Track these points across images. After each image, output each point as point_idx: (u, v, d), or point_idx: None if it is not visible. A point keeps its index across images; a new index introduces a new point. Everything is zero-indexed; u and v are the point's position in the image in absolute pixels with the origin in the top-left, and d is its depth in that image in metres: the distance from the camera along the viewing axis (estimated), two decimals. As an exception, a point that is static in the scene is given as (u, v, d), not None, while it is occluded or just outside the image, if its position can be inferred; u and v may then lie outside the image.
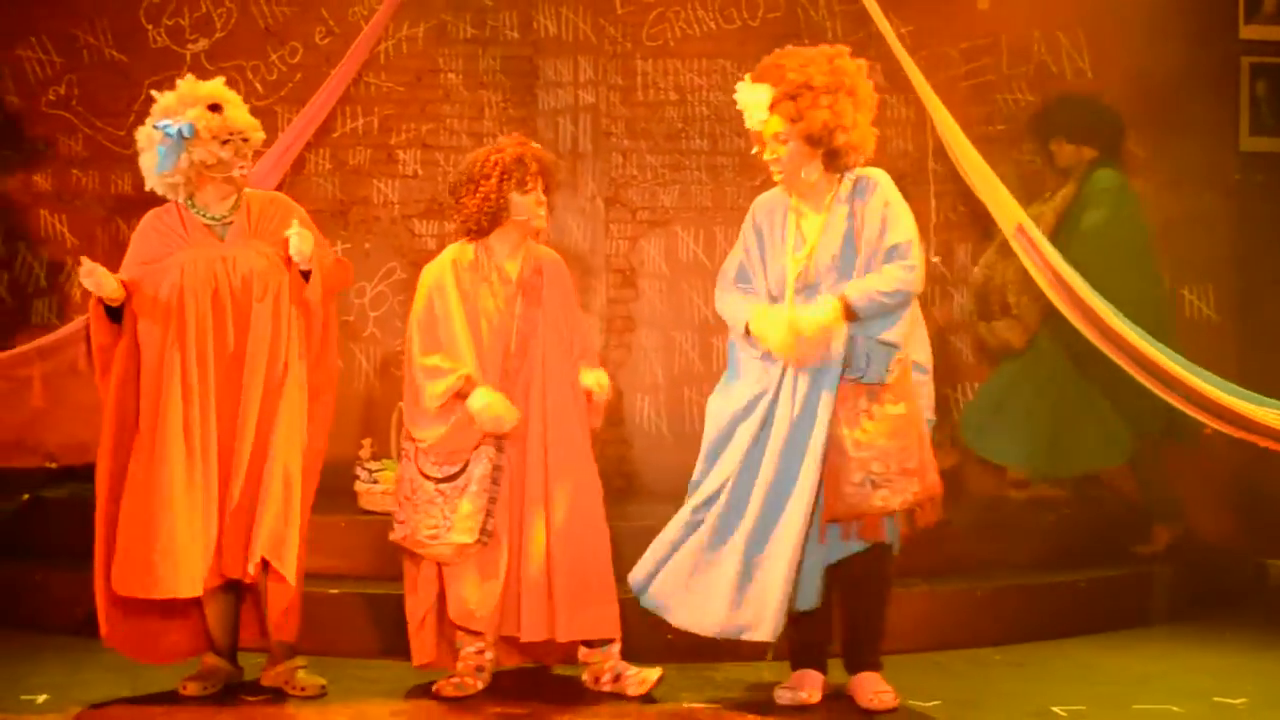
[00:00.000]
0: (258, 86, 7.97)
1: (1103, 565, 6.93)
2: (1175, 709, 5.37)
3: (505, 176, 5.48)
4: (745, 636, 5.18)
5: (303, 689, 5.39)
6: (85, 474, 7.27)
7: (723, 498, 5.25)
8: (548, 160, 5.59)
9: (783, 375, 5.20)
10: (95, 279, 5.20)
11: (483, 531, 5.35)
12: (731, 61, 8.08)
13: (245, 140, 5.42)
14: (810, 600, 5.25)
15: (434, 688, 5.47)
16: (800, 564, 5.14)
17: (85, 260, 5.24)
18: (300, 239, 5.30)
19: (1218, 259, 8.11)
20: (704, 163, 8.07)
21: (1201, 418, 5.72)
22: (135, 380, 5.34)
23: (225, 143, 5.36)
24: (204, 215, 5.43)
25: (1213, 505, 7.71)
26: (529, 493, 5.44)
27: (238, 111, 5.43)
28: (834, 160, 5.29)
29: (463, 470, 5.39)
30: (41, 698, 5.31)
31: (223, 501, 5.27)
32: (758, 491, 5.17)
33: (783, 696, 5.36)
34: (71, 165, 7.89)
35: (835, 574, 5.30)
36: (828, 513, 5.15)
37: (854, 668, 5.39)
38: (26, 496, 6.87)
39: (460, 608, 5.41)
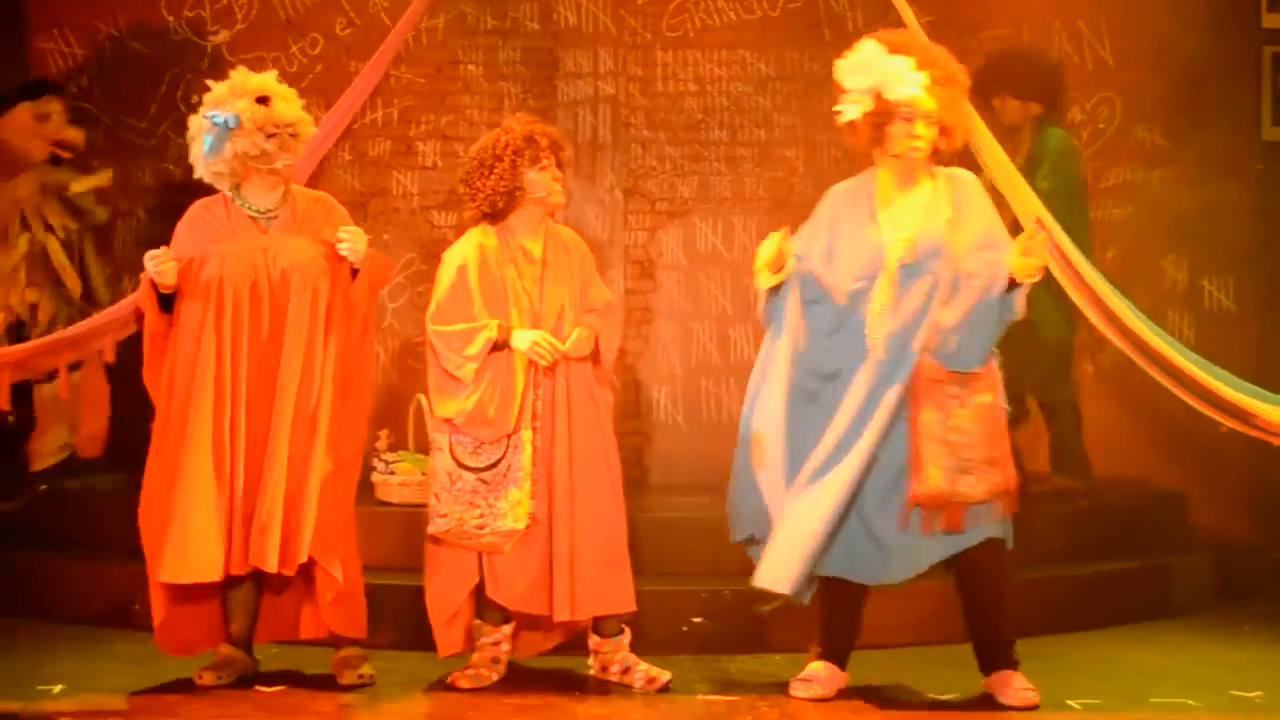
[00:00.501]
0: (280, 79, 7.95)
1: (1119, 558, 6.90)
2: (1192, 703, 5.34)
3: (518, 155, 5.45)
4: (758, 583, 5.23)
5: (345, 680, 5.41)
6: (100, 465, 7.36)
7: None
8: (556, 135, 5.58)
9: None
10: (162, 267, 5.21)
11: (531, 516, 5.36)
12: (751, 52, 8.08)
13: (293, 135, 5.42)
14: (900, 575, 5.23)
15: (449, 679, 5.46)
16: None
17: (158, 250, 5.25)
18: (355, 237, 5.31)
19: (1238, 251, 8.06)
20: (723, 154, 8.05)
21: (1217, 416, 5.70)
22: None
23: (271, 136, 5.35)
24: (249, 207, 5.43)
25: (1226, 499, 7.69)
26: (557, 474, 5.42)
27: (286, 105, 5.43)
28: (938, 154, 5.32)
29: (502, 458, 5.37)
30: (58, 688, 5.32)
31: (253, 492, 5.26)
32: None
33: (798, 689, 5.33)
34: (93, 157, 7.89)
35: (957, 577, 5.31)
36: (913, 498, 5.12)
37: (990, 668, 5.32)
38: (43, 487, 6.89)
39: (509, 591, 5.41)
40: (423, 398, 6.28)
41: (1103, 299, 5.92)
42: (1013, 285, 5.16)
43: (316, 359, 5.33)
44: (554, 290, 5.50)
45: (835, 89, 5.31)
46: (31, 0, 7.97)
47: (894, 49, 5.24)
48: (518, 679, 5.54)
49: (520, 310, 5.45)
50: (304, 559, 5.22)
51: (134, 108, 7.92)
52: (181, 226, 5.47)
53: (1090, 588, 6.59)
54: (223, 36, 7.99)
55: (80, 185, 7.33)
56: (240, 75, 5.49)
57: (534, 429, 5.39)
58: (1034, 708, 5.19)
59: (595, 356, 5.53)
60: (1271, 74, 8.10)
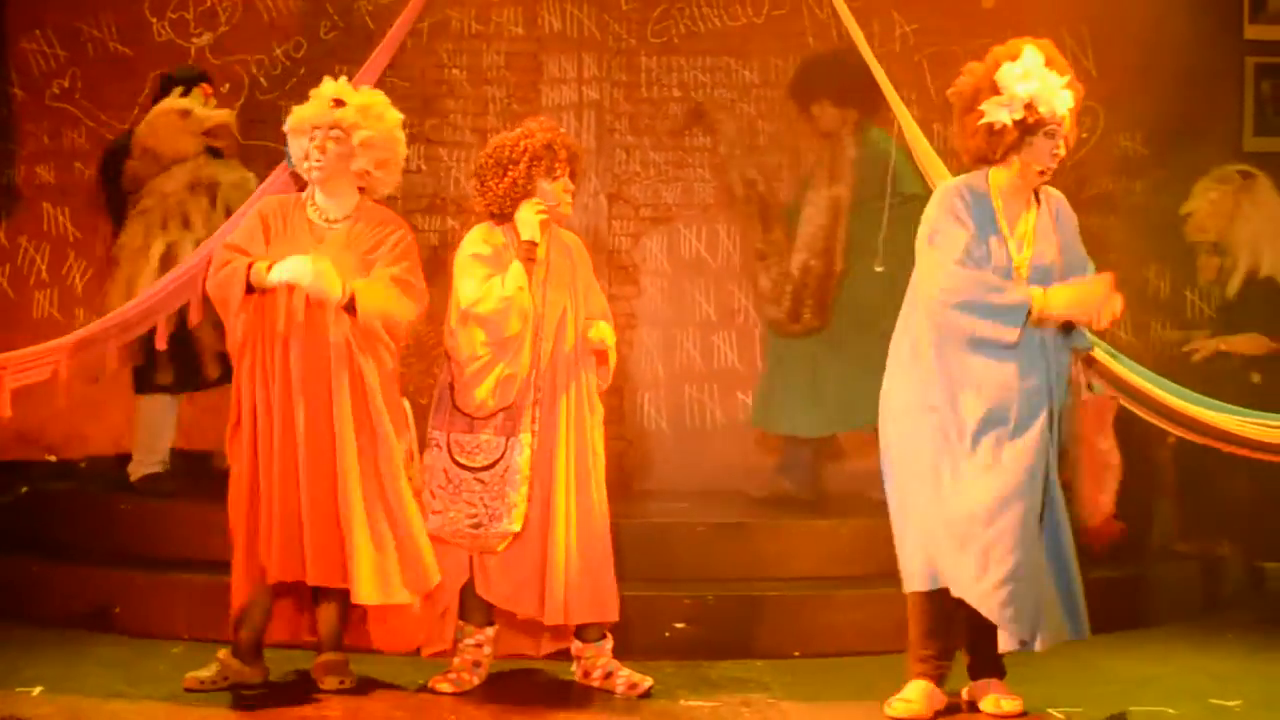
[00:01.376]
0: (261, 81, 7.98)
1: (1101, 567, 6.89)
2: (1172, 711, 5.37)
3: (535, 162, 5.43)
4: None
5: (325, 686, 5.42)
6: (84, 469, 7.35)
7: None
8: (576, 148, 5.58)
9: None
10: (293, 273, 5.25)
11: (525, 518, 5.36)
12: (735, 59, 8.10)
13: (336, 138, 5.39)
14: None
15: (430, 683, 5.45)
16: None
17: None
18: (312, 276, 5.24)
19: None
20: (707, 160, 8.06)
21: (1166, 426, 5.73)
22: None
23: (312, 139, 5.39)
24: (315, 214, 5.45)
25: (1208, 506, 7.70)
26: (556, 480, 5.41)
27: (312, 107, 5.45)
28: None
29: (500, 458, 5.37)
30: (37, 690, 5.30)
31: (288, 508, 5.28)
32: None
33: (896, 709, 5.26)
34: (75, 158, 7.90)
35: None
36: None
37: (978, 674, 5.35)
38: (25, 489, 6.87)
39: (498, 590, 5.43)
40: (406, 402, 6.29)
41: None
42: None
43: (343, 377, 5.30)
44: (555, 294, 5.49)
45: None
46: (14, 2, 7.95)
47: (1049, 62, 5.23)
48: (500, 684, 5.55)
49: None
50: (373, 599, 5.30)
51: (116, 109, 7.89)
52: (251, 215, 5.55)
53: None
54: (206, 39, 7.98)
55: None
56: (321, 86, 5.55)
57: (533, 432, 5.39)
58: (1021, 715, 5.21)
59: (603, 358, 5.54)
60: (1254, 84, 8.14)
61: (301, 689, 5.43)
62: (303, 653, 5.61)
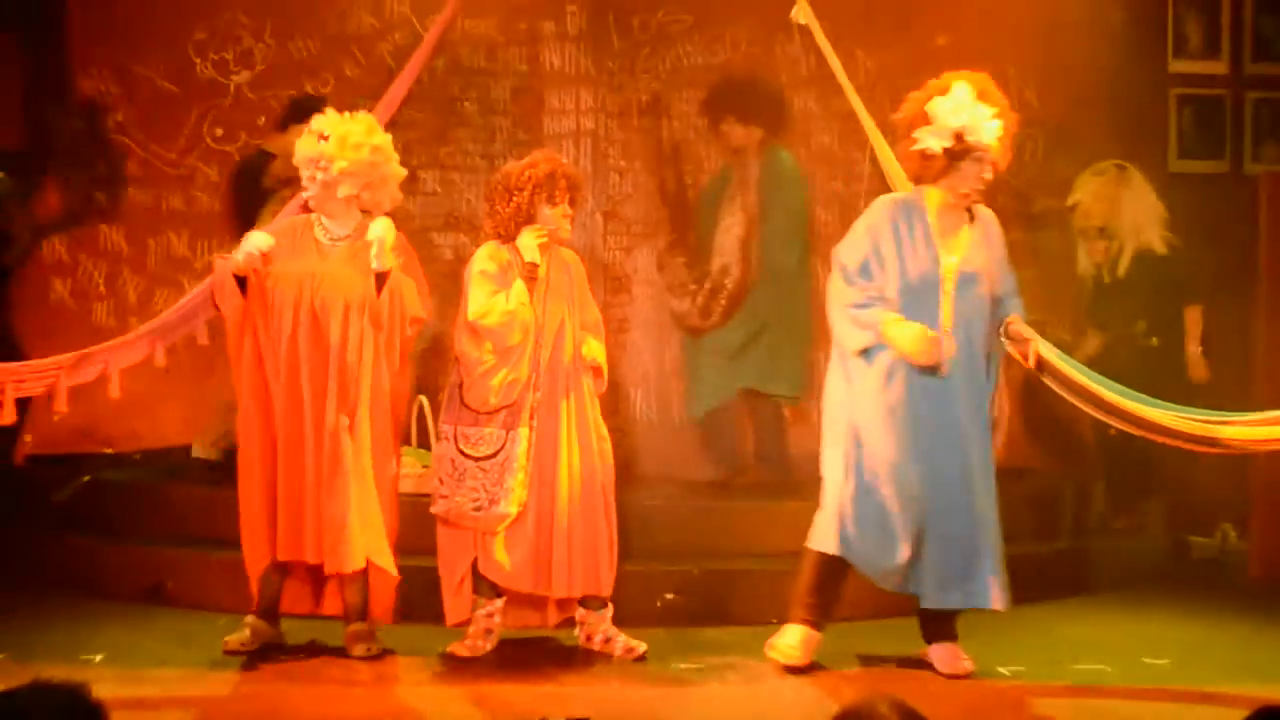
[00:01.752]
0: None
1: (1044, 541, 6.95)
2: (1108, 669, 5.41)
3: (538, 190, 5.47)
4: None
5: (355, 653, 5.43)
6: (138, 460, 7.35)
7: None
8: (576, 177, 5.63)
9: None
10: (250, 255, 5.26)
11: (522, 503, 5.38)
12: (716, 90, 8.08)
13: (322, 169, 5.39)
14: None
15: (448, 649, 5.48)
16: None
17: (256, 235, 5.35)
18: (380, 246, 5.28)
19: (1148, 268, 8.10)
20: (690, 182, 8.04)
21: (1101, 417, 5.75)
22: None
23: (315, 166, 5.40)
24: (321, 234, 5.45)
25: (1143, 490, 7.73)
26: (560, 468, 5.43)
27: (308, 143, 5.44)
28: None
29: (501, 449, 5.39)
30: (99, 657, 5.34)
31: (294, 492, 5.29)
32: None
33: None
34: (128, 184, 7.89)
35: None
36: None
37: (933, 639, 5.37)
38: (87, 478, 6.87)
39: (498, 569, 5.43)
40: (424, 399, 6.32)
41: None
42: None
43: (351, 377, 5.30)
44: (554, 306, 5.51)
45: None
46: (74, 43, 7.95)
47: (980, 95, 5.28)
48: (512, 649, 5.57)
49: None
50: (361, 565, 5.30)
51: (165, 140, 7.87)
52: (270, 226, 5.59)
53: (1020, 568, 6.60)
54: (244, 76, 7.96)
55: None
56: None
57: (531, 427, 5.41)
58: (969, 675, 5.23)
59: (598, 370, 5.58)
60: (1177, 113, 8.16)
61: (330, 655, 5.46)
62: (323, 623, 5.65)
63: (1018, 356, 5.34)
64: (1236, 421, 5.61)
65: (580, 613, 5.57)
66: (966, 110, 5.22)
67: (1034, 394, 7.31)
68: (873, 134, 6.39)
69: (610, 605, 5.57)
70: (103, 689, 2.24)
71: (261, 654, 5.42)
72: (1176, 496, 7.65)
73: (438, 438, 5.66)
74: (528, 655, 5.53)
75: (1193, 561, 7.57)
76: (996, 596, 5.26)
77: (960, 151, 5.23)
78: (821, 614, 5.34)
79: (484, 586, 5.53)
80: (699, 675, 5.31)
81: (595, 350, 5.55)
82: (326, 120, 5.50)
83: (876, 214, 5.35)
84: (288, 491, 5.32)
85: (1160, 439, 5.72)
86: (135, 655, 5.38)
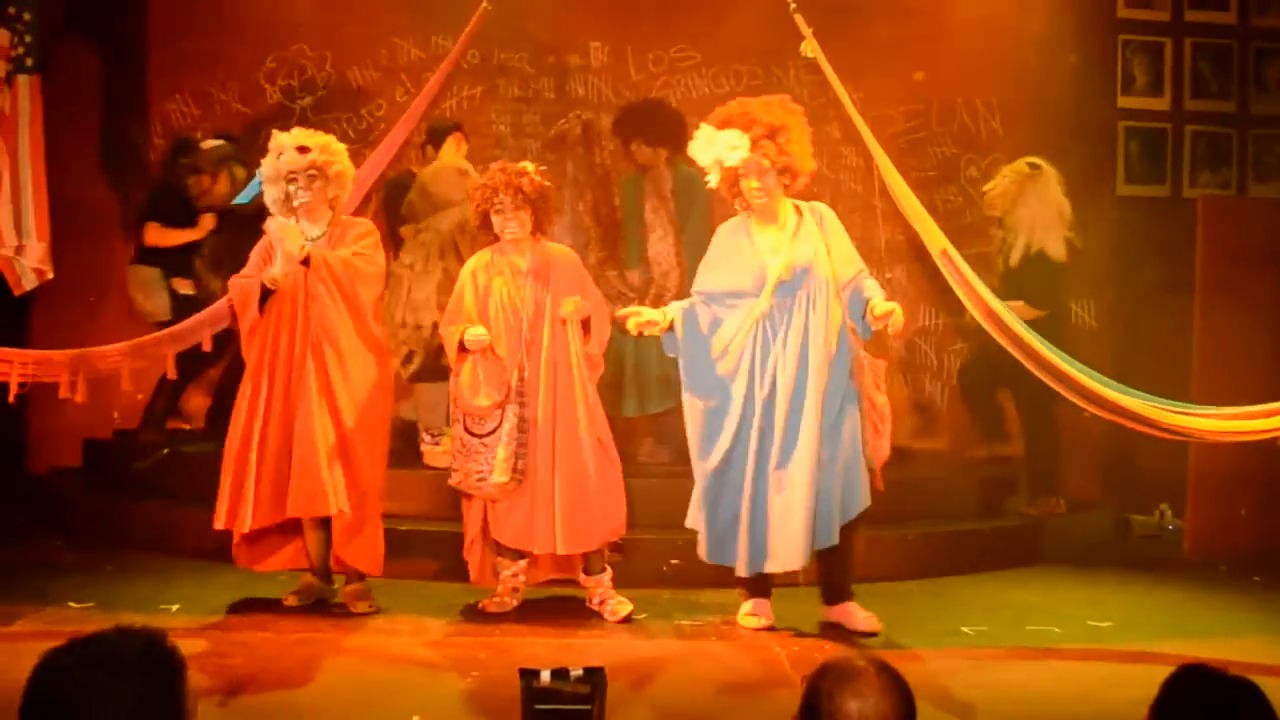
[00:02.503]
0: (350, 134, 7.95)
1: (1003, 517, 6.95)
2: (1057, 630, 5.39)
3: (483, 202, 5.45)
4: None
5: (356, 610, 5.40)
6: (207, 434, 7.36)
7: None
8: (510, 180, 5.41)
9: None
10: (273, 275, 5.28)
11: (515, 471, 5.32)
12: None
13: (311, 176, 5.35)
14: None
15: (479, 605, 5.47)
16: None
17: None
18: (286, 232, 5.27)
19: (1098, 280, 8.09)
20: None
21: (1082, 404, 5.73)
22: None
23: (290, 181, 5.36)
24: (304, 233, 5.42)
25: (1088, 470, 7.73)
26: (540, 439, 5.36)
27: (293, 156, 5.36)
28: (789, 186, 5.28)
29: (497, 427, 5.36)
30: (175, 607, 5.36)
31: (284, 458, 5.24)
32: None
33: (749, 622, 5.31)
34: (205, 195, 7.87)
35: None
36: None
37: (835, 600, 5.30)
38: (166, 450, 6.89)
39: (504, 532, 5.42)
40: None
41: (997, 314, 5.93)
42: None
43: (333, 348, 5.29)
44: (538, 294, 5.44)
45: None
46: (155, 69, 7.96)
47: (722, 124, 5.22)
48: (536, 607, 5.55)
49: (500, 305, 5.42)
50: (335, 510, 5.22)
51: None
52: (256, 250, 5.48)
53: (979, 539, 6.63)
54: (307, 100, 7.98)
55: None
56: (275, 139, 5.46)
57: (520, 404, 5.36)
58: (877, 633, 5.16)
59: (586, 326, 5.46)
60: (1125, 143, 8.14)
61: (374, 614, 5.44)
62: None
63: (886, 327, 5.12)
64: (1206, 415, 5.59)
65: (582, 577, 5.53)
66: (710, 143, 5.21)
67: (973, 384, 7.32)
68: (875, 150, 6.32)
69: (608, 569, 5.51)
70: (177, 634, 2.23)
71: (315, 607, 5.43)
72: (1120, 478, 7.66)
73: (452, 420, 5.67)
74: (548, 612, 5.51)
75: (1134, 537, 7.57)
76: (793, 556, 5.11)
77: (731, 176, 5.21)
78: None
79: (506, 550, 5.51)
80: (699, 631, 5.30)
81: (567, 306, 5.40)
82: (295, 136, 5.44)
83: (713, 242, 5.40)
84: (277, 468, 5.24)
85: (1134, 426, 5.70)
86: (207, 605, 5.39)
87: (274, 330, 5.32)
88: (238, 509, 5.27)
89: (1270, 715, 2.32)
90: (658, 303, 6.97)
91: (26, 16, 6.52)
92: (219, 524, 5.31)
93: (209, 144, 7.12)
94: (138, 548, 6.31)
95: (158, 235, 7.05)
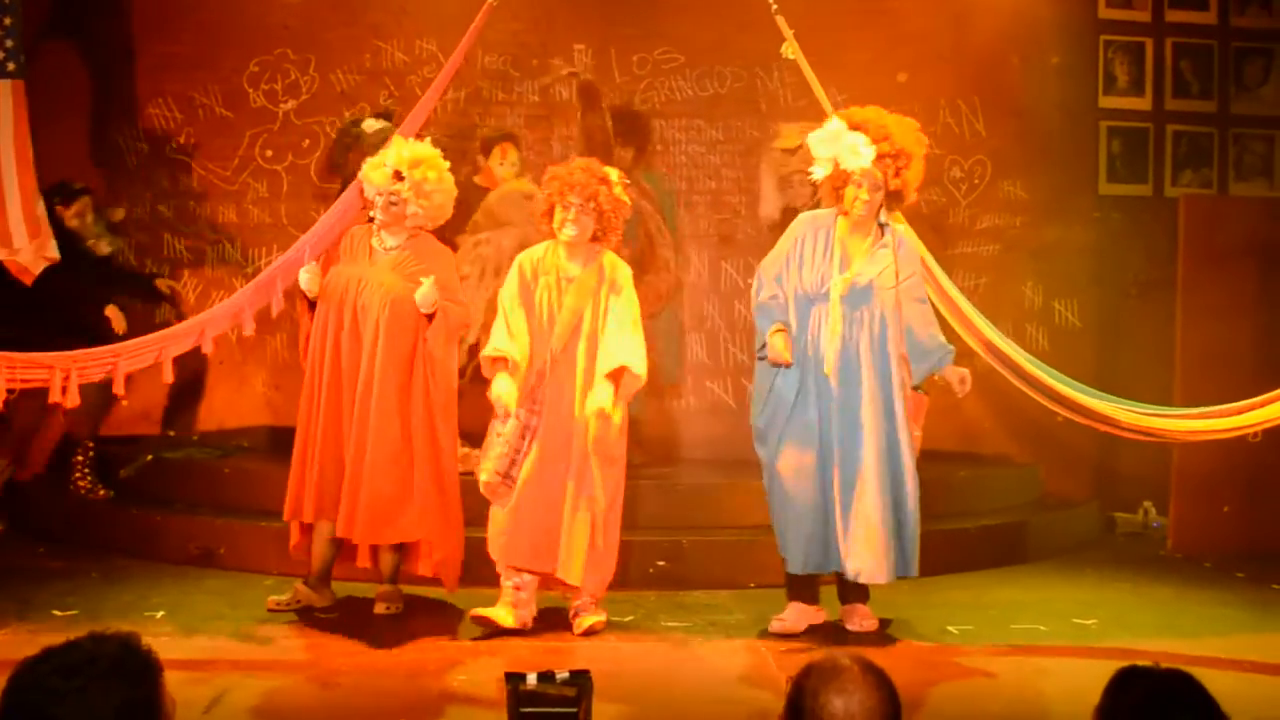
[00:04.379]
0: (334, 137, 7.94)
1: (989, 516, 6.94)
2: (1043, 628, 5.39)
3: (554, 192, 5.26)
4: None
5: (377, 610, 5.40)
6: (195, 441, 7.34)
7: None
8: (589, 186, 5.22)
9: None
10: (309, 279, 5.30)
11: (500, 474, 5.16)
12: (704, 121, 8.07)
13: (393, 203, 5.33)
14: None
15: (470, 614, 5.20)
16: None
17: (311, 265, 5.34)
18: (426, 291, 5.19)
19: (1081, 279, 8.10)
20: (682, 200, 8.01)
21: (1056, 409, 5.74)
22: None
23: (379, 195, 5.35)
24: (377, 241, 5.40)
25: (1072, 469, 7.73)
26: (531, 451, 5.19)
27: (379, 174, 5.34)
28: (889, 209, 5.24)
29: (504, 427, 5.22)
30: (159, 614, 5.31)
31: (338, 468, 5.23)
32: None
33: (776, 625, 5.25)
34: (189, 199, 7.86)
35: None
36: None
37: (847, 600, 5.30)
38: (150, 457, 6.85)
39: (511, 550, 5.21)
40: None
41: (971, 320, 5.94)
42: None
43: (390, 367, 5.22)
44: (576, 302, 5.23)
45: (772, 150, 5.30)
46: (142, 75, 7.92)
47: (854, 125, 5.16)
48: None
49: (538, 309, 5.25)
50: (406, 538, 5.27)
51: (221, 160, 7.85)
52: (343, 241, 5.52)
53: (966, 539, 6.62)
54: (291, 105, 7.94)
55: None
56: (397, 145, 5.45)
57: (530, 409, 5.22)
58: (874, 632, 5.18)
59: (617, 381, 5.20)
60: (1107, 143, 8.15)
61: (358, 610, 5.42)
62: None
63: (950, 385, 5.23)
64: (1175, 415, 5.60)
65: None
66: (836, 140, 5.14)
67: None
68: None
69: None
70: (160, 641, 2.21)
71: (303, 612, 5.39)
72: (1104, 477, 7.66)
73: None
74: (543, 621, 5.44)
75: (1119, 535, 7.58)
76: (888, 570, 5.13)
77: (840, 178, 5.14)
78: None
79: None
80: (685, 632, 5.28)
81: (596, 403, 5.12)
82: (400, 157, 5.38)
83: (791, 227, 5.32)
84: (324, 469, 5.26)
85: (1105, 429, 5.70)
86: (191, 612, 5.35)
87: (337, 339, 5.27)
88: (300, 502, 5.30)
89: (1209, 702, 2.33)
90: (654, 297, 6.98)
91: (8, 21, 6.46)
92: (308, 517, 5.33)
93: (371, 125, 7.05)
94: (122, 554, 6.27)
95: None
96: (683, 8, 7.88)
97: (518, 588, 5.22)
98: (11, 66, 6.58)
